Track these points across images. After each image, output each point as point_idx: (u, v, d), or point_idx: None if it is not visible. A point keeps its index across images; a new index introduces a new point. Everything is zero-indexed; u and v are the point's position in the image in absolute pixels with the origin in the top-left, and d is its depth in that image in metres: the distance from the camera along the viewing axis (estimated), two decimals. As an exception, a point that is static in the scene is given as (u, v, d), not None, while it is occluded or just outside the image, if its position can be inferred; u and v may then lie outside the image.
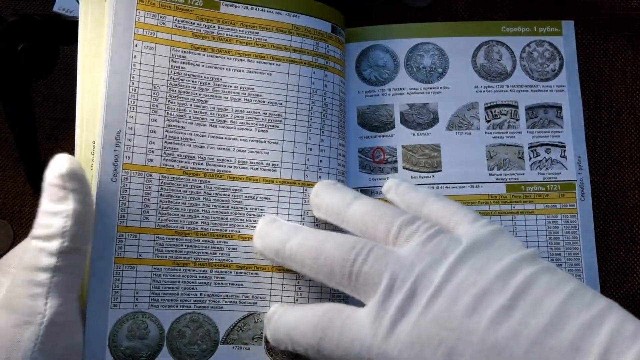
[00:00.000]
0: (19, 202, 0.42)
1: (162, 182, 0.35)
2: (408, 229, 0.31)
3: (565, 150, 0.40)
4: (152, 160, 0.35)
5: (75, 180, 0.30)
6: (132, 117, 0.35)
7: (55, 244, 0.29)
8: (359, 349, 0.29)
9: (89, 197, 0.31)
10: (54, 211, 0.30)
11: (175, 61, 0.36)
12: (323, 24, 0.38)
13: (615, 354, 0.25)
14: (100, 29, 0.35)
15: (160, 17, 0.36)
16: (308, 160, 0.37)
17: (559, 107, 0.40)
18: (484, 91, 0.40)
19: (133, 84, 0.35)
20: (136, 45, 0.35)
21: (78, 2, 0.39)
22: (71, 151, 0.35)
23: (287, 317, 0.33)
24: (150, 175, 0.35)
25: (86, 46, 0.35)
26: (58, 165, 0.30)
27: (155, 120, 0.35)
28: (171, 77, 0.36)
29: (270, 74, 0.37)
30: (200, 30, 0.36)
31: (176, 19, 0.36)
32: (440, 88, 0.40)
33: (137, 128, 0.35)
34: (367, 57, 0.41)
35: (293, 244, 0.33)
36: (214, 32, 0.36)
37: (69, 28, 0.37)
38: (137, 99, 0.35)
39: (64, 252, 0.29)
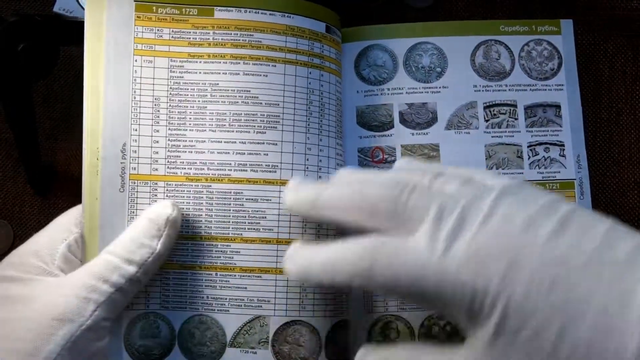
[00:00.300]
0: (19, 202, 0.43)
1: (166, 190, 0.36)
2: (440, 179, 0.31)
3: (564, 149, 0.40)
4: (156, 170, 0.36)
5: (173, 228, 0.34)
6: (136, 129, 0.36)
7: (131, 269, 0.33)
8: (415, 269, 0.28)
9: (172, 244, 0.35)
10: (143, 243, 0.33)
11: (173, 71, 0.36)
12: (317, 24, 0.38)
13: None
14: (102, 36, 0.36)
15: (158, 30, 0.37)
16: (307, 160, 0.37)
17: (558, 106, 0.40)
18: (483, 90, 0.40)
19: (135, 97, 0.36)
20: (136, 61, 0.36)
21: (78, 3, 0.40)
22: (72, 151, 0.35)
23: (325, 252, 0.32)
24: (156, 183, 0.36)
25: (90, 54, 0.36)
26: (166, 208, 0.34)
27: (158, 131, 0.36)
28: (170, 87, 0.36)
29: (267, 76, 0.37)
30: (195, 39, 0.37)
31: (173, 30, 0.37)
32: (439, 87, 0.40)
33: (141, 140, 0.36)
34: (366, 56, 0.41)
35: (331, 191, 0.32)
36: (209, 39, 0.37)
37: (69, 28, 0.38)
38: (139, 112, 0.36)
39: (133, 279, 0.33)
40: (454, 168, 0.33)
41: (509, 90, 0.40)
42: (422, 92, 0.40)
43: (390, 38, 0.41)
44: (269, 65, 0.37)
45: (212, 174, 0.36)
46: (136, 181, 0.36)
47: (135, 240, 0.34)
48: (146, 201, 0.36)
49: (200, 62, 0.37)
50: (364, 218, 0.31)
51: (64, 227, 0.35)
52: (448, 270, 0.27)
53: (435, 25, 0.41)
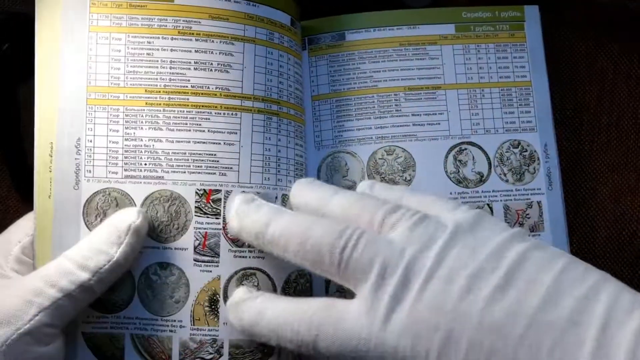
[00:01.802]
0: (3, 207, 0.42)
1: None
2: (392, 217, 0.31)
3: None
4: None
5: (135, 236, 0.33)
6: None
7: (83, 276, 0.31)
8: (356, 343, 0.28)
9: (134, 256, 0.33)
10: (100, 249, 0.32)
11: None
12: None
13: (614, 326, 0.25)
14: (55, 25, 0.36)
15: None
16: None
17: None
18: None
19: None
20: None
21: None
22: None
23: (272, 312, 0.31)
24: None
25: (42, 46, 0.36)
26: (131, 215, 0.33)
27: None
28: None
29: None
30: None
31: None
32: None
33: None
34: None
35: (276, 228, 0.32)
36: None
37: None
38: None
39: (85, 286, 0.31)
40: (414, 196, 0.34)
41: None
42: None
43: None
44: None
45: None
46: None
47: (92, 246, 0.32)
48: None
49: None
50: (309, 265, 0.31)
51: (21, 229, 0.35)
52: (388, 342, 0.28)
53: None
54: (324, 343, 0.29)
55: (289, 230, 0.31)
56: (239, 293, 0.33)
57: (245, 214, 0.33)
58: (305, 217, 0.32)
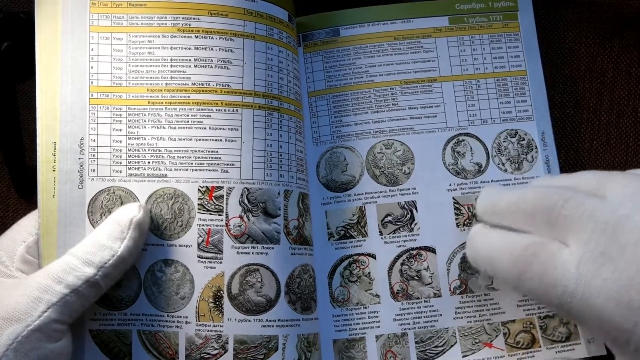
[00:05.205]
0: (4, 205, 0.42)
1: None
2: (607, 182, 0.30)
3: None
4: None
5: (138, 230, 0.34)
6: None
7: (88, 271, 0.32)
8: (561, 292, 0.28)
9: (137, 250, 0.34)
10: (104, 244, 0.33)
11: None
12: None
13: None
14: (56, 25, 0.36)
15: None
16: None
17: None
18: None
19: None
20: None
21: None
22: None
23: (489, 242, 0.34)
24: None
25: (42, 47, 0.36)
26: (133, 209, 0.34)
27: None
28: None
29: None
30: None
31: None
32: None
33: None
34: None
35: (503, 200, 0.34)
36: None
37: (54, 27, 0.37)
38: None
39: (90, 281, 0.32)
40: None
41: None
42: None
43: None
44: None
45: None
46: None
47: (96, 242, 0.33)
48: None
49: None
50: (522, 223, 0.32)
51: (24, 228, 0.35)
52: (594, 300, 0.27)
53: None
54: (529, 283, 0.30)
55: (511, 198, 0.33)
56: (475, 227, 0.36)
57: (489, 193, 0.36)
58: (529, 188, 0.33)
